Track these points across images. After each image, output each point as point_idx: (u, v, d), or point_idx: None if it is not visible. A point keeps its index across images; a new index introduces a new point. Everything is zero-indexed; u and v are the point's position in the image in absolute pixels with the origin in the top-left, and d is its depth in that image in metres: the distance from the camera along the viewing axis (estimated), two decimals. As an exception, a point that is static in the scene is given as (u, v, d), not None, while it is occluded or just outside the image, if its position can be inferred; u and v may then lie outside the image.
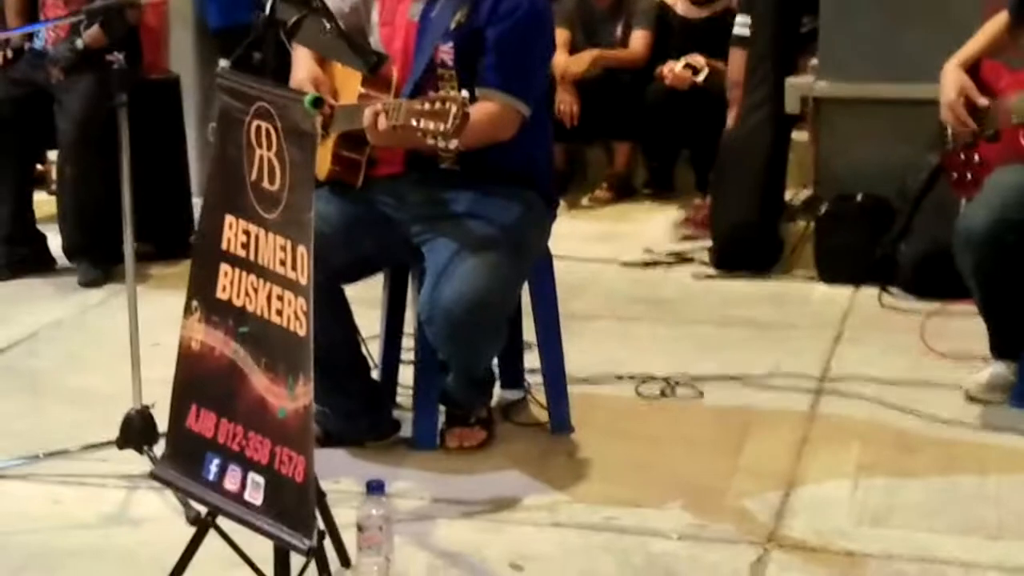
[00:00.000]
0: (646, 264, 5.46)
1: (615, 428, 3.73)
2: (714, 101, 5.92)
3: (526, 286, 3.58)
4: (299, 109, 2.43)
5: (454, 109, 2.92)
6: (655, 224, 6.14)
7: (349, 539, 2.77)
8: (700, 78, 6.18)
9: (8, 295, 5.09)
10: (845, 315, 4.74)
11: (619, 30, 6.62)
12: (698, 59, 6.23)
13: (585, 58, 6.44)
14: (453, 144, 2.97)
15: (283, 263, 2.53)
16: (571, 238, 5.55)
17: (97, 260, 5.14)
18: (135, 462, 3.31)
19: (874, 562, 2.94)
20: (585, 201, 6.58)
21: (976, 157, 3.78)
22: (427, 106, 2.97)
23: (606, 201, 6.55)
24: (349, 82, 3.41)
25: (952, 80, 3.73)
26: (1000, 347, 3.80)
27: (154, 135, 5.27)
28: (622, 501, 3.24)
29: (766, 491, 3.29)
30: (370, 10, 3.52)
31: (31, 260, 5.33)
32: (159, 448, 3.19)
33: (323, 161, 3.40)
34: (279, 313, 2.55)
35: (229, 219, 2.68)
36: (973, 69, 3.74)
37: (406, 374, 3.75)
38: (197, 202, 5.41)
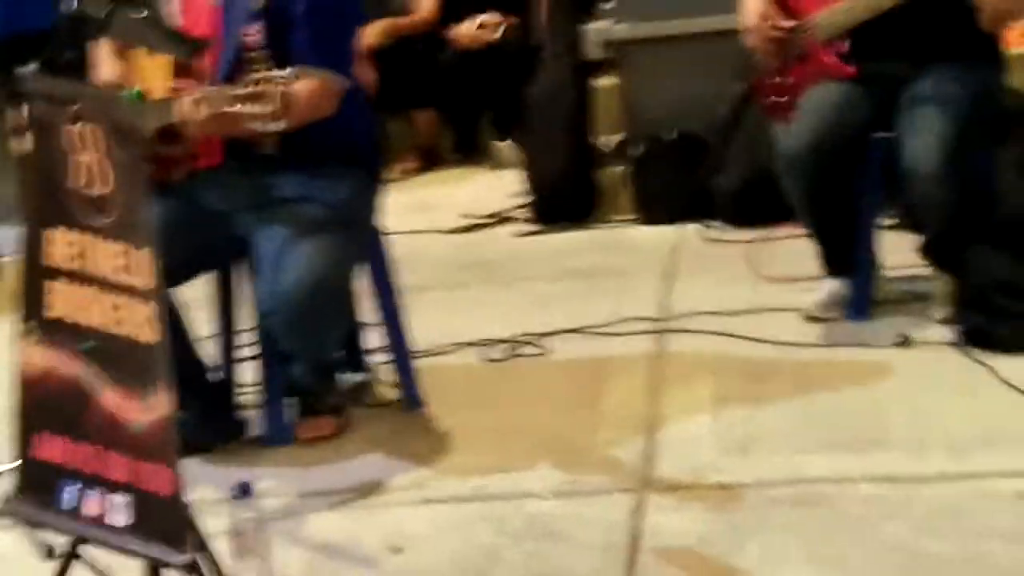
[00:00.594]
0: (466, 229, 5.41)
1: (467, 397, 3.69)
2: (511, 57, 5.88)
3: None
4: (123, 106, 2.31)
5: (278, 90, 2.81)
6: (468, 189, 6.09)
7: (220, 549, 2.66)
8: (496, 35, 6.12)
9: None
10: (672, 253, 4.77)
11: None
12: (492, 18, 6.17)
13: (375, 29, 6.34)
14: (281, 126, 2.87)
15: (123, 269, 2.41)
16: (387, 212, 5.46)
17: None
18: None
19: (750, 492, 2.96)
20: (395, 174, 6.48)
21: (787, 80, 3.81)
22: (248, 89, 2.86)
23: (415, 171, 6.47)
24: (156, 76, 3.27)
25: (753, 5, 3.76)
26: (833, 265, 3.87)
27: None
28: (489, 468, 3.20)
29: (630, 437, 3.29)
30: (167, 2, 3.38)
31: None
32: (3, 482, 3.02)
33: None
34: (119, 323, 2.43)
35: (49, 233, 2.53)
36: None
37: (243, 373, 3.65)
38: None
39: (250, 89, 2.84)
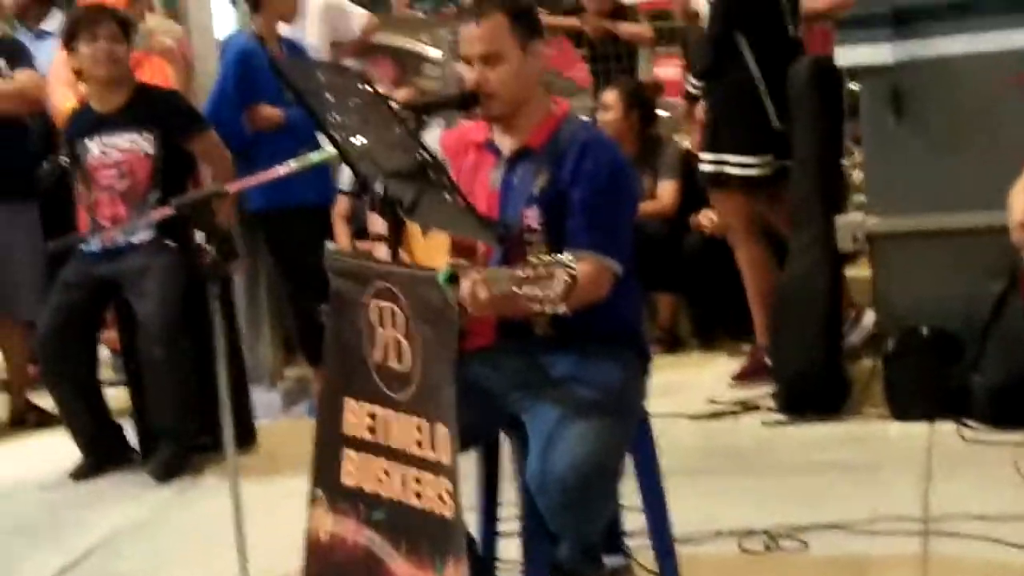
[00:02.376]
0: (712, 415, 5.38)
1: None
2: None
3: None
4: (431, 286, 2.38)
5: (561, 274, 2.86)
6: (709, 374, 6.07)
7: None
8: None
9: (77, 498, 4.98)
10: (928, 451, 4.65)
11: (645, 182, 6.64)
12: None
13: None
14: (561, 309, 2.90)
15: (420, 444, 2.46)
16: (668, 392, 5.51)
17: (181, 448, 5.04)
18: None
19: None
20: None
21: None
22: (531, 272, 2.91)
23: (656, 353, 6.47)
24: (432, 253, 3.36)
25: (1020, 203, 3.71)
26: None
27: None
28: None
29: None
30: (446, 182, 3.50)
31: (114, 456, 5.24)
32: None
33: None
34: (418, 496, 2.47)
35: (350, 403, 2.61)
36: None
37: (505, 548, 3.65)
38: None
39: (533, 272, 2.88)
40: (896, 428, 4.98)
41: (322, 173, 5.79)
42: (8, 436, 5.97)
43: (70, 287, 5.17)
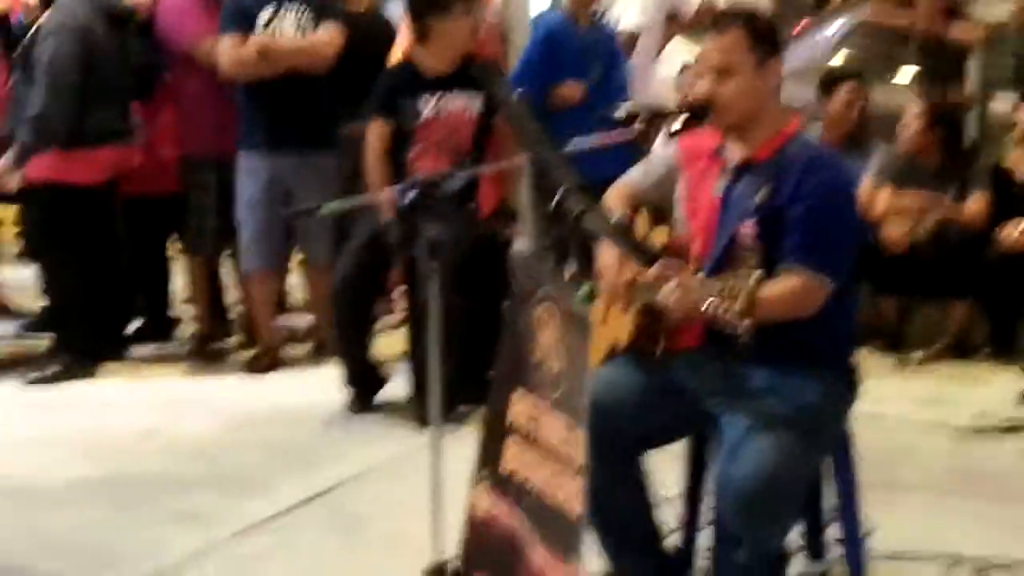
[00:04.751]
0: (977, 430, 5.26)
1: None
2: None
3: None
4: (575, 299, 2.53)
5: (745, 292, 2.94)
6: (993, 387, 5.91)
7: None
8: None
9: (345, 431, 5.36)
10: None
11: (953, 192, 6.47)
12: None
13: (922, 200, 6.35)
14: (744, 325, 2.99)
15: (564, 443, 2.61)
16: (899, 399, 5.43)
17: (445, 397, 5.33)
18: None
19: None
20: (917, 359, 6.40)
21: None
22: (720, 285, 3.01)
23: (940, 359, 6.35)
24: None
25: None
26: None
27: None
28: None
29: None
30: (676, 183, 3.60)
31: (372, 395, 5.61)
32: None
33: (624, 330, 3.48)
34: (558, 492, 2.63)
35: (517, 394, 2.79)
36: None
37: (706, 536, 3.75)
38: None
39: (721, 286, 2.98)
40: None
41: (622, 149, 5.93)
42: (300, 365, 6.42)
43: (371, 235, 5.50)
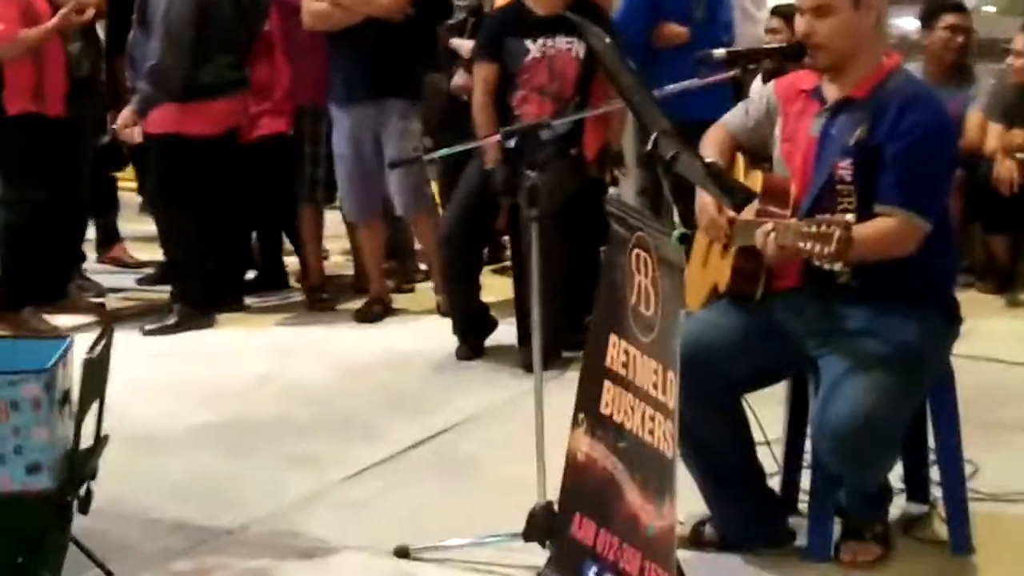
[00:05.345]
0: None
1: (1022, 552, 3.60)
2: None
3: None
4: (669, 242, 2.56)
5: (838, 233, 2.95)
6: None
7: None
8: None
9: (455, 376, 5.46)
10: None
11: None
12: None
13: None
14: (837, 266, 3.00)
15: (655, 386, 2.66)
16: (1010, 339, 5.37)
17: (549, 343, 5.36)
18: (540, 554, 3.48)
19: None
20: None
21: None
22: (813, 228, 3.02)
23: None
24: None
25: None
26: None
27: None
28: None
29: None
30: (774, 125, 3.61)
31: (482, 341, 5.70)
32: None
33: (723, 273, 3.51)
34: (651, 433, 2.68)
35: (613, 338, 2.84)
36: None
37: (807, 479, 3.77)
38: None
39: (814, 229, 2.99)
40: None
41: (721, 90, 5.90)
42: (410, 314, 6.53)
43: (477, 180, 5.55)
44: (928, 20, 6.76)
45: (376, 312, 6.40)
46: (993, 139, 6.32)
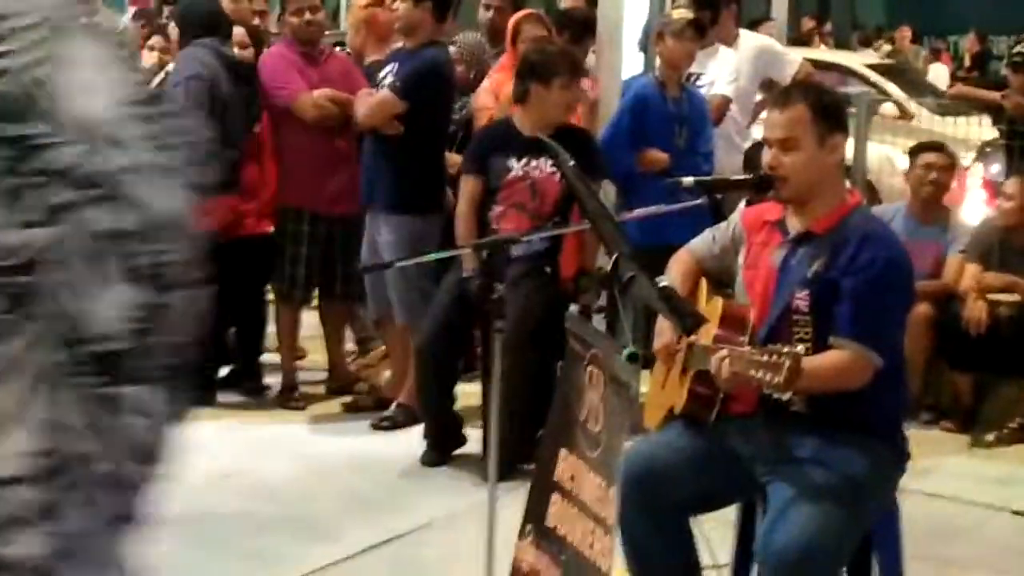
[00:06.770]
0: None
1: None
2: None
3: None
4: (619, 361, 2.64)
5: (787, 363, 3.03)
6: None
7: None
8: None
9: (417, 481, 5.48)
10: None
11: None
12: None
13: (1007, 279, 6.35)
14: (786, 396, 3.08)
15: (599, 500, 2.72)
16: (964, 478, 5.43)
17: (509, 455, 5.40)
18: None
19: None
20: (990, 439, 6.37)
21: None
22: (764, 357, 3.10)
23: (1014, 441, 6.31)
24: (708, 318, 3.58)
25: None
26: None
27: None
28: None
29: None
30: (739, 253, 3.70)
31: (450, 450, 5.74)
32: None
33: (680, 395, 3.57)
34: (591, 547, 2.74)
35: (563, 452, 2.91)
36: None
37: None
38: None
39: (765, 358, 3.08)
40: None
41: (697, 216, 6.02)
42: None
43: (457, 290, 5.62)
44: (912, 158, 6.92)
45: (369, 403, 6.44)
46: (968, 278, 6.42)
